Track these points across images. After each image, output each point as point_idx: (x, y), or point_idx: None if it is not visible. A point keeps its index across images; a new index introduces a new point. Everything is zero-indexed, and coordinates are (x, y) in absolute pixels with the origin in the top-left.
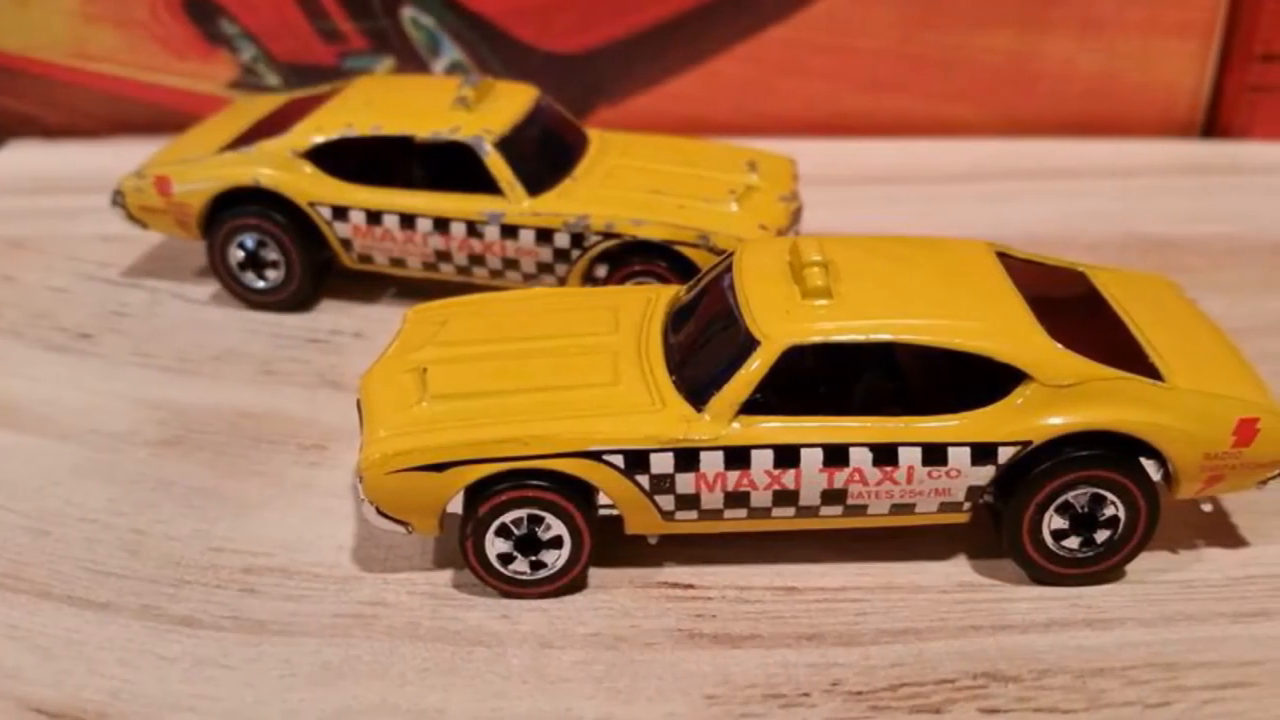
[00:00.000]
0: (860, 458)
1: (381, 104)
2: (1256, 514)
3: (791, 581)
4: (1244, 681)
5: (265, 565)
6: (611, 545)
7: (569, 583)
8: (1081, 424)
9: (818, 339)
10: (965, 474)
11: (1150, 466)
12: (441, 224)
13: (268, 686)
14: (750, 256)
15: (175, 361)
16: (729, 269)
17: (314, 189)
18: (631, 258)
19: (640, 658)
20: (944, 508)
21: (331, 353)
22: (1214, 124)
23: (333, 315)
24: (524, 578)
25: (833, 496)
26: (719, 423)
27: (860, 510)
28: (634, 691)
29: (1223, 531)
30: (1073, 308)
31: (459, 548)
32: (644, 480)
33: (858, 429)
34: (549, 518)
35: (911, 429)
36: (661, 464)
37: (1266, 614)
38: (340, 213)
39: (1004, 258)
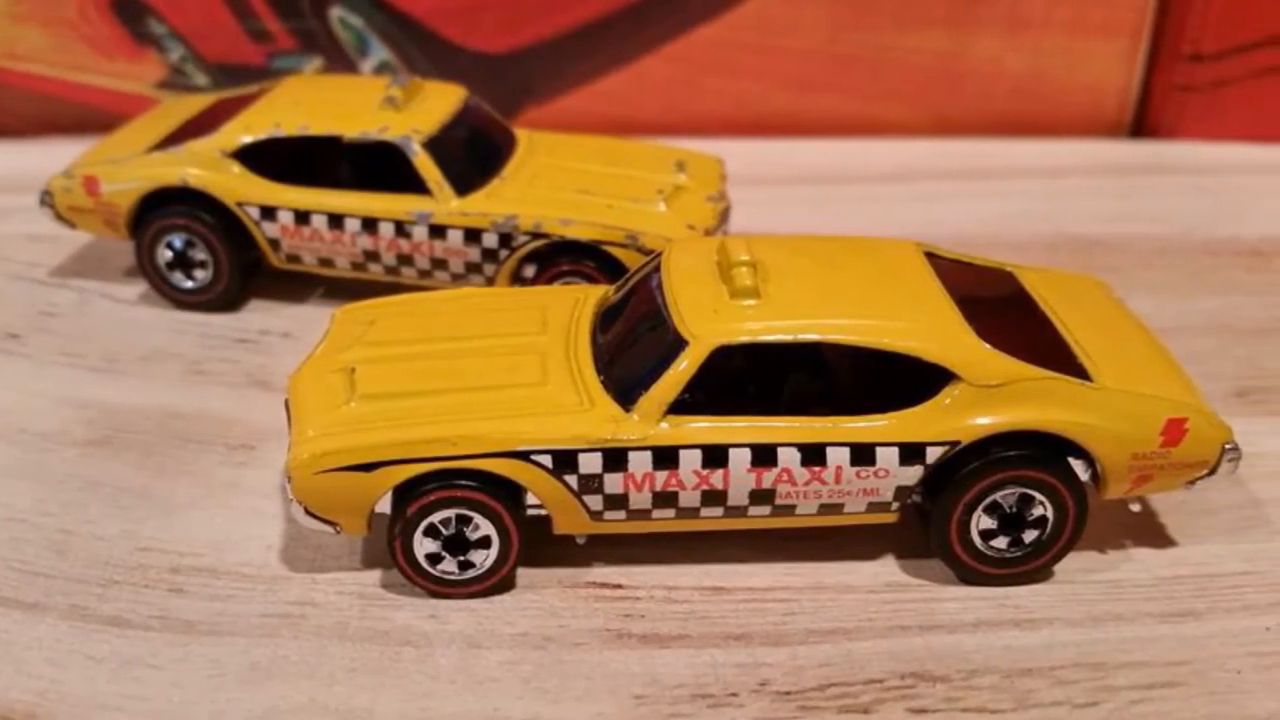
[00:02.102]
0: (788, 458)
1: (309, 104)
2: (1185, 514)
3: (720, 582)
4: (1171, 681)
5: (193, 565)
6: (540, 545)
7: (497, 583)
8: (1010, 424)
9: (746, 339)
10: (893, 474)
11: (1078, 466)
12: (370, 224)
13: (196, 686)
14: (678, 256)
15: (103, 361)
16: (657, 269)
17: (242, 189)
18: (560, 258)
19: (568, 658)
20: (872, 508)
21: (260, 353)
22: (1142, 124)
23: (261, 315)
24: (452, 578)
25: (761, 496)
26: (647, 423)
27: (788, 510)
28: (562, 691)
29: (1151, 532)
30: (1001, 308)
31: (387, 548)
32: (572, 480)
33: (786, 429)
34: (477, 518)
35: (840, 429)
36: (590, 464)
37: (1194, 614)
38: (268, 213)
39: (932, 258)
